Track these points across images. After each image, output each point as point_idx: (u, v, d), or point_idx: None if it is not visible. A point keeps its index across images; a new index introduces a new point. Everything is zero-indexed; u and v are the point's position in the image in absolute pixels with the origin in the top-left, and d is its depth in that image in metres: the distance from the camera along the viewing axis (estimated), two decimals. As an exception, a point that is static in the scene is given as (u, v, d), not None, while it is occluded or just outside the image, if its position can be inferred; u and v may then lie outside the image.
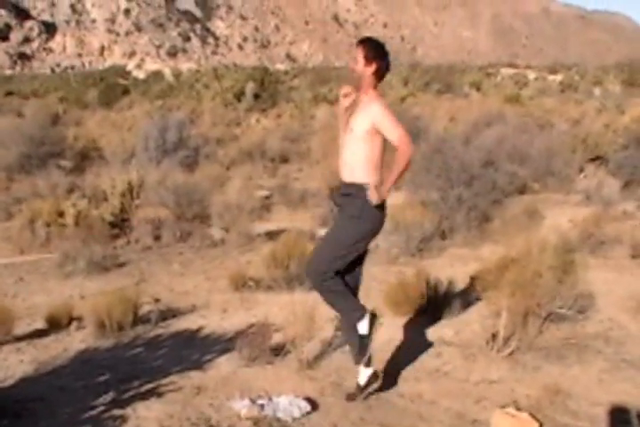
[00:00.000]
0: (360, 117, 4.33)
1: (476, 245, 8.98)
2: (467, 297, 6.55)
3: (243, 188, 12.39)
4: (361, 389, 4.53)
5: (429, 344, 5.64)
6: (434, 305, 6.22)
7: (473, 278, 6.88)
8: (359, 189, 4.34)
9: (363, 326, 4.49)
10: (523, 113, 22.94)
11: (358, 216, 4.33)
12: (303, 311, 5.06)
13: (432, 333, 5.88)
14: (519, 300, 5.26)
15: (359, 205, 4.33)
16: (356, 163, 4.36)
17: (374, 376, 4.53)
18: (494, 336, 5.35)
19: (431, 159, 10.09)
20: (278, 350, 5.31)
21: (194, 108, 30.60)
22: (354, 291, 4.60)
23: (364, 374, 4.53)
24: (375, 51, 4.34)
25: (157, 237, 10.12)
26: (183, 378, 5.04)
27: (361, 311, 4.49)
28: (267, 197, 13.72)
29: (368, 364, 4.51)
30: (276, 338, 5.47)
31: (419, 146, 12.64)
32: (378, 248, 8.71)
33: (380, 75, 4.37)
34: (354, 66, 4.37)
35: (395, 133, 4.23)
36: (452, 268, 8.02)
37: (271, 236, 9.80)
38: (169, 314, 6.66)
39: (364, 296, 6.37)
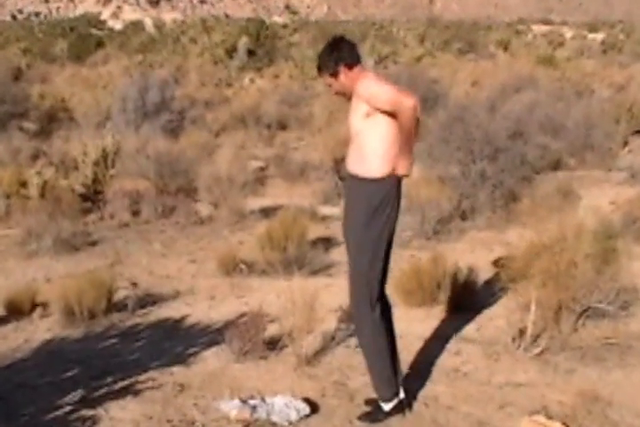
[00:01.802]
0: (354, 107, 4.29)
1: (501, 227, 8.97)
2: (490, 287, 6.53)
3: (234, 158, 12.34)
4: (384, 413, 4.48)
5: (447, 341, 5.64)
6: (452, 296, 6.22)
7: (498, 266, 6.88)
8: (369, 183, 4.27)
9: (386, 406, 4.45)
10: (558, 77, 22.87)
11: (374, 210, 4.26)
12: (302, 300, 5.05)
13: (450, 327, 5.88)
14: (551, 292, 5.24)
15: (370, 198, 4.26)
16: (364, 154, 4.28)
17: (399, 406, 4.49)
18: (522, 333, 5.34)
19: (451, 129, 10.06)
20: (273, 344, 5.31)
21: (179, 65, 30.51)
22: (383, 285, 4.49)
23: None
24: (330, 60, 4.33)
25: (136, 213, 10.10)
26: (164, 374, 5.04)
27: (393, 391, 4.43)
28: (262, 169, 13.69)
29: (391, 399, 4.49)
30: (271, 330, 5.46)
31: (436, 113, 12.63)
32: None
33: (351, 65, 4.32)
34: (334, 90, 4.42)
35: (385, 97, 4.13)
36: (473, 253, 8.01)
37: (266, 213, 9.79)
38: (148, 301, 6.67)
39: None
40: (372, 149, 4.25)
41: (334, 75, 4.34)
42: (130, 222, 9.89)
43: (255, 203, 10.51)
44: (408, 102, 4.09)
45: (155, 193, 10.35)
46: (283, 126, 19.18)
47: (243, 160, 12.79)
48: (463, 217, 9.37)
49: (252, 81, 27.76)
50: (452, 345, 5.57)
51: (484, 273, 6.85)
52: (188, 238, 9.12)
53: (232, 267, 7.42)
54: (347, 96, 4.41)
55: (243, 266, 7.43)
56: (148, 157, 11.25)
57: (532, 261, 5.58)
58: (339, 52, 4.33)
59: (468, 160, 9.73)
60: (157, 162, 10.88)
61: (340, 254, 8.09)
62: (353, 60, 4.33)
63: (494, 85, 19.95)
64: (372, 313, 4.33)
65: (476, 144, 9.69)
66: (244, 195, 10.47)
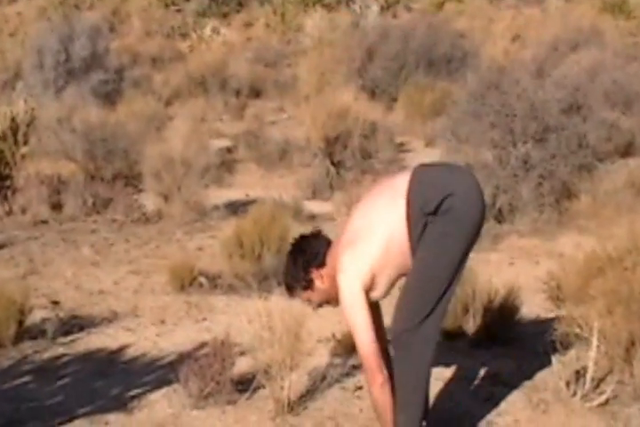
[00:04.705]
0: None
1: (550, 233, 9.01)
2: (536, 314, 6.56)
3: (191, 134, 12.32)
4: None
5: (477, 383, 5.67)
6: (484, 323, 6.24)
7: (546, 285, 6.90)
8: None
9: None
10: (630, 30, 22.86)
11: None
12: (283, 325, 5.06)
13: (482, 366, 5.90)
14: (619, 321, 5.25)
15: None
16: None
17: None
18: (579, 375, 5.35)
19: (483, 99, 10.09)
20: (245, 384, 5.31)
21: (115, 6, 30.42)
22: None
23: None
24: (297, 272, 4.66)
25: (57, 206, 10.07)
26: (96, 424, 5.03)
27: None
28: (228, 150, 13.69)
29: None
30: (242, 365, 5.49)
31: (464, 78, 12.63)
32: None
33: (320, 261, 4.63)
34: (313, 303, 4.79)
35: (355, 338, 4.46)
36: (512, 267, 8.04)
37: (235, 209, 9.80)
38: (74, 325, 6.64)
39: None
40: None
41: (310, 286, 4.65)
42: (49, 219, 9.86)
43: (219, 195, 10.51)
44: (372, 379, 4.40)
45: (83, 180, 10.33)
46: (256, 93, 19.20)
47: (203, 138, 12.76)
48: (499, 218, 9.40)
49: (215, 31, 27.72)
50: (483, 389, 5.58)
51: (528, 294, 6.85)
52: (128, 242, 9.11)
53: (188, 281, 7.41)
54: (334, 302, 4.66)
55: (203, 279, 7.43)
56: (75, 130, 11.21)
57: (594, 278, 5.60)
58: (303, 256, 4.66)
59: (507, 142, 9.76)
60: (87, 138, 10.85)
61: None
62: (322, 254, 4.64)
63: (543, 41, 19.99)
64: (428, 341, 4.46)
65: (517, 120, 9.72)
66: (204, 184, 10.45)
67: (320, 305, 4.78)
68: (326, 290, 4.61)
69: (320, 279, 4.60)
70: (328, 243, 4.70)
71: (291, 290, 4.73)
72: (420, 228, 4.34)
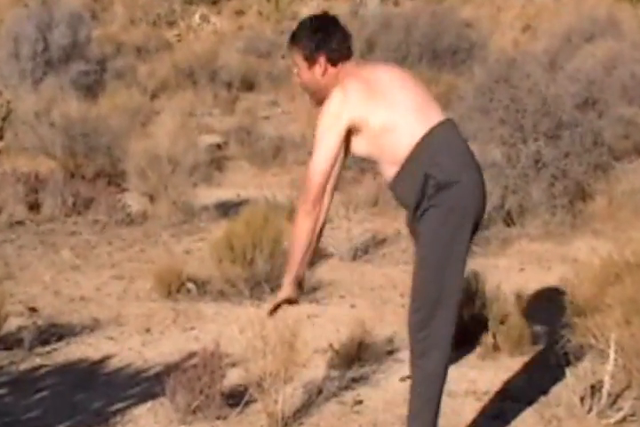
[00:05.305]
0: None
1: (564, 236, 8.99)
2: (548, 323, 6.54)
3: (179, 130, 12.29)
4: None
5: (484, 398, 5.65)
6: (493, 333, 6.22)
7: (559, 293, 6.90)
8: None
9: None
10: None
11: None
12: (277, 335, 5.05)
13: (489, 378, 5.90)
14: (638, 332, 5.25)
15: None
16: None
17: None
18: (594, 390, 5.33)
19: (492, 94, 10.06)
20: (236, 398, 5.31)
21: (97, -8, 30.45)
22: None
23: None
24: (310, 40, 4.57)
25: (34, 206, 10.05)
26: (76, 440, 5.04)
27: None
28: (219, 147, 13.68)
29: None
30: (233, 377, 5.48)
31: (470, 71, 12.60)
32: (400, 236, 8.71)
33: (336, 59, 4.57)
34: (298, 77, 4.71)
35: (312, 156, 4.52)
36: (522, 273, 8.04)
37: (225, 210, 9.79)
38: (53, 334, 6.63)
39: (377, 315, 6.41)
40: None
41: (309, 60, 4.57)
42: (25, 220, 9.85)
43: (209, 195, 10.50)
44: (303, 195, 4.50)
45: (63, 178, 10.30)
46: (249, 86, 19.19)
47: (191, 133, 12.72)
48: (508, 221, 9.38)
49: (204, 19, 27.75)
50: (492, 404, 5.57)
51: (539, 302, 6.87)
52: (111, 244, 9.11)
53: (176, 286, 7.41)
54: (315, 99, 4.67)
55: (191, 285, 7.42)
56: (54, 124, 11.20)
57: (610, 285, 5.60)
58: (325, 36, 4.55)
59: (517, 139, 9.74)
60: (67, 133, 10.83)
61: (331, 271, 8.08)
62: (340, 54, 4.56)
63: (555, 32, 19.95)
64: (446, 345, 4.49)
65: (528, 116, 9.70)
66: (192, 183, 10.43)
67: (301, 86, 4.74)
68: (316, 83, 4.59)
69: (320, 70, 4.55)
70: (348, 55, 4.60)
71: (293, 44, 4.62)
72: (416, 183, 4.34)
